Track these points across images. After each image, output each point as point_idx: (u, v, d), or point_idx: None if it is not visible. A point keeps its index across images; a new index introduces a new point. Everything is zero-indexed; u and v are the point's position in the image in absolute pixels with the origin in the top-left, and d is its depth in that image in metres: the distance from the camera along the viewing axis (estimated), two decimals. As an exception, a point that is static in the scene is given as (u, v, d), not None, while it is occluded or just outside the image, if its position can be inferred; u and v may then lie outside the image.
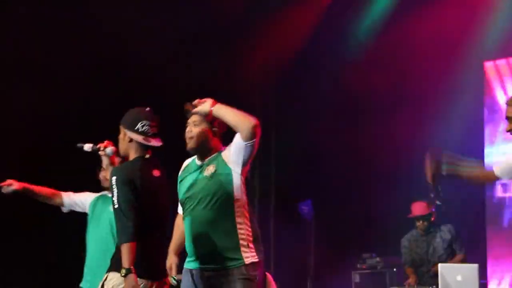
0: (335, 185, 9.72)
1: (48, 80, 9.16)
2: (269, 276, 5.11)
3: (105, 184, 5.96)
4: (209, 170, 4.78)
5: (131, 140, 5.03)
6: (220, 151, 4.89)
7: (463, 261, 7.89)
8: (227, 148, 4.75)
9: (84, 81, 9.24)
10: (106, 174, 5.71)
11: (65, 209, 6.24)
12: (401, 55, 9.32)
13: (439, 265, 7.20)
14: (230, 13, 9.68)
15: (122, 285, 4.99)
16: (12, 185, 6.04)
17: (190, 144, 4.81)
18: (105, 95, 9.29)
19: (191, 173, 4.95)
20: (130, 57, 9.30)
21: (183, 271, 4.94)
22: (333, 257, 9.16)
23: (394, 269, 8.61)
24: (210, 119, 4.73)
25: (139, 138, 4.97)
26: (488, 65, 9.90)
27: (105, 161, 5.62)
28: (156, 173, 5.15)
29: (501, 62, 9.85)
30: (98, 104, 9.19)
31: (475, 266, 6.98)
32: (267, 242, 10.08)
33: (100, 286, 5.15)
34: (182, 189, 4.96)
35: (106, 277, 5.10)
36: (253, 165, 10.39)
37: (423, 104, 9.52)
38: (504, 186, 9.60)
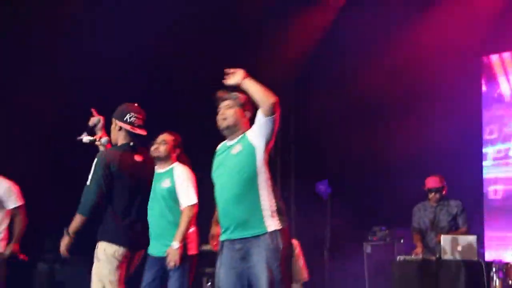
0: (349, 166, 9.91)
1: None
2: (295, 242, 5.41)
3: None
4: (236, 149, 4.89)
5: (120, 129, 5.51)
6: (245, 133, 4.99)
7: (465, 234, 7.83)
8: (251, 128, 4.87)
9: (111, 76, 9.30)
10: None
11: None
12: (403, 54, 9.45)
13: (442, 236, 7.46)
14: (257, 10, 9.84)
15: (115, 251, 5.46)
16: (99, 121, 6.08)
17: (223, 124, 4.96)
18: (132, 91, 8.80)
19: (221, 154, 5.07)
20: (160, 54, 9.52)
21: (219, 244, 5.09)
22: (347, 231, 9.40)
23: (402, 241, 8.74)
24: (239, 87, 4.78)
25: (127, 127, 5.44)
26: (494, 57, 9.99)
27: (101, 149, 5.82)
28: (138, 158, 5.59)
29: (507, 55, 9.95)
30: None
31: (474, 237, 7.37)
32: (288, 218, 10.78)
33: (95, 255, 5.59)
34: (213, 169, 5.10)
35: (98, 246, 5.54)
36: (275, 148, 10.55)
37: (427, 95, 9.63)
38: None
